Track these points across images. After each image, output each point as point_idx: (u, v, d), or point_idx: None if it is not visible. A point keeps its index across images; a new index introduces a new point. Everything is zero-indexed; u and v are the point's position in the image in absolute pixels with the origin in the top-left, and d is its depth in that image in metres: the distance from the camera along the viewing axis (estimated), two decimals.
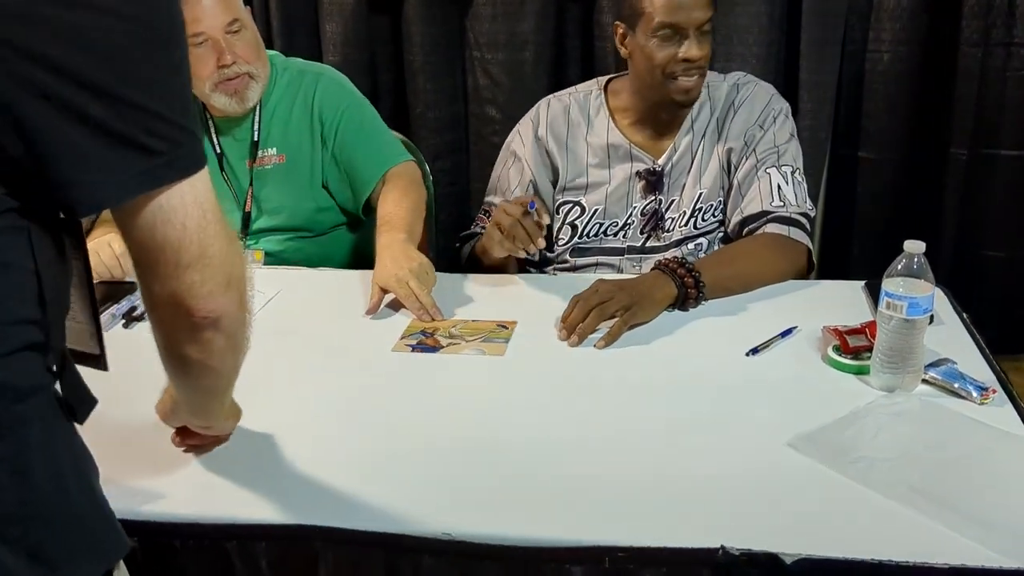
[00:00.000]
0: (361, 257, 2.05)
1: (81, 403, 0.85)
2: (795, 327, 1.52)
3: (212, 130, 2.04)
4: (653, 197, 1.86)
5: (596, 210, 1.89)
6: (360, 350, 1.54)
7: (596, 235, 1.89)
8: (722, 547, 1.02)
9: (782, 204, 1.74)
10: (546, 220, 1.64)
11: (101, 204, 0.75)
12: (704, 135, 1.85)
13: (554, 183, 1.92)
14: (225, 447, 1.23)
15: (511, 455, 1.23)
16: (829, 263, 2.75)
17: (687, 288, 1.59)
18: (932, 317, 1.36)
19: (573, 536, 1.05)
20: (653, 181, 1.85)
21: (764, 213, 1.75)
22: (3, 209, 0.72)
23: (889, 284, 1.29)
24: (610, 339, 1.50)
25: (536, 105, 1.98)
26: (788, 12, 2.62)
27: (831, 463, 1.16)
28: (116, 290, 1.73)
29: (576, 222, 1.90)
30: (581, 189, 1.90)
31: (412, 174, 2.02)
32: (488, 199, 1.99)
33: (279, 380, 1.42)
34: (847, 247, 2.75)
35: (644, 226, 1.87)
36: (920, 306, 1.27)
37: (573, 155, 1.90)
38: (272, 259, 2.04)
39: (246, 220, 2.05)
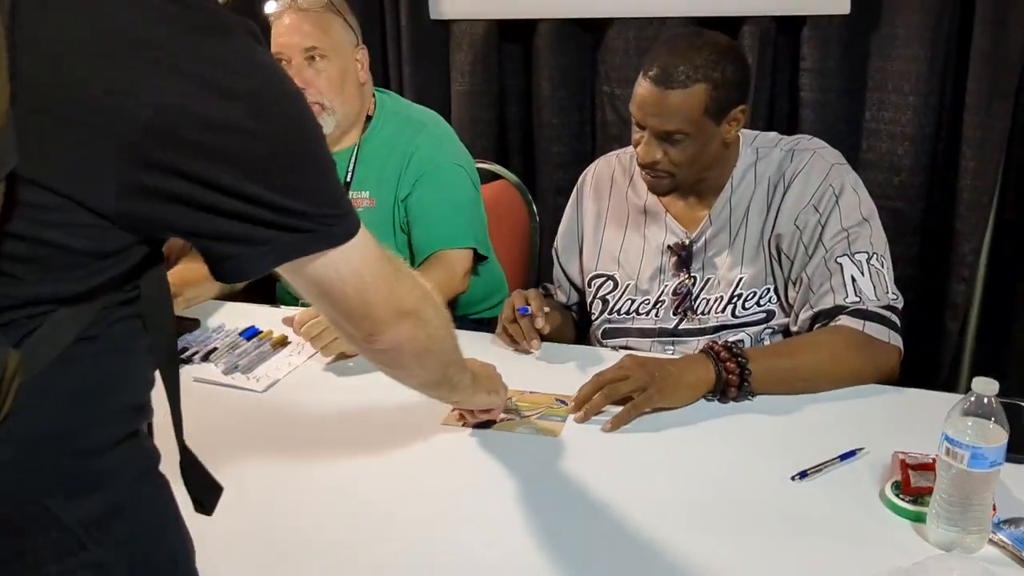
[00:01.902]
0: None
1: (208, 494, 0.90)
2: (862, 448, 1.32)
3: None
4: (685, 275, 1.70)
5: (628, 285, 1.75)
6: (403, 429, 1.45)
7: (628, 313, 1.74)
8: None
9: (858, 299, 1.53)
10: (540, 323, 1.62)
11: (245, 273, 0.82)
12: (747, 211, 1.66)
13: (580, 260, 1.84)
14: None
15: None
16: (979, 361, 2.45)
17: (728, 374, 1.42)
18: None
19: None
20: (684, 256, 1.69)
21: (838, 308, 1.54)
22: (126, 300, 0.80)
23: (951, 427, 1.09)
24: (616, 423, 1.39)
25: (588, 169, 1.89)
26: (953, 58, 2.35)
27: None
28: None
29: (608, 296, 1.77)
30: (614, 259, 1.77)
31: (453, 263, 1.93)
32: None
33: (324, 432, 1.44)
34: (1004, 336, 2.44)
35: (676, 307, 1.70)
36: (987, 458, 1.06)
37: (613, 217, 1.79)
38: None
39: None
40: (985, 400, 1.08)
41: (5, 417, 0.71)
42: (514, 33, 2.70)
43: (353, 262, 0.89)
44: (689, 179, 1.64)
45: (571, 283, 1.87)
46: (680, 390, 1.43)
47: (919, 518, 1.16)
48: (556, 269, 1.89)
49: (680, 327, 1.69)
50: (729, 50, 1.60)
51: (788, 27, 2.48)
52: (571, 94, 2.68)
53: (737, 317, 1.65)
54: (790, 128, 2.56)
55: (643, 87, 1.58)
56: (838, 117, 2.49)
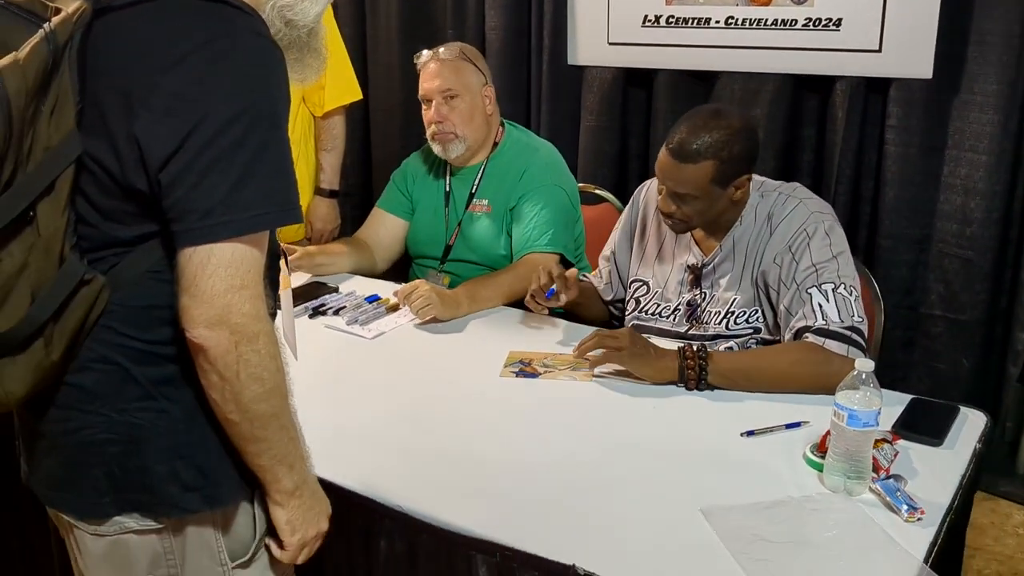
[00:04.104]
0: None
1: None
2: (805, 422, 1.65)
3: (447, 173, 2.55)
4: (697, 290, 2.02)
5: (657, 291, 2.09)
6: (473, 374, 1.92)
7: (653, 314, 2.08)
8: (574, 564, 1.28)
9: (824, 322, 1.77)
10: (563, 300, 2.01)
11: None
12: (746, 244, 1.95)
13: (628, 262, 2.18)
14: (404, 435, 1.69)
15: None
16: None
17: (688, 370, 1.77)
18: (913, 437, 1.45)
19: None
20: (697, 275, 2.02)
21: (805, 328, 1.79)
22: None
23: (839, 396, 1.43)
24: (592, 358, 1.85)
25: (644, 183, 2.23)
26: None
27: (724, 533, 1.35)
28: (314, 290, 2.30)
29: (640, 298, 2.12)
30: (650, 268, 2.11)
31: (537, 266, 2.22)
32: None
33: (411, 371, 1.95)
34: None
35: (688, 316, 2.03)
36: (860, 419, 1.40)
37: (654, 232, 2.12)
38: (460, 282, 2.48)
39: (447, 250, 2.52)
40: (863, 376, 1.41)
41: (97, 320, 1.11)
42: (637, 79, 3.11)
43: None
44: (701, 225, 1.98)
45: (620, 278, 2.21)
46: (646, 366, 1.81)
47: (822, 469, 1.50)
48: (609, 266, 2.23)
49: (689, 332, 2.02)
50: (740, 131, 1.87)
51: (877, 87, 2.76)
52: None
53: (730, 329, 1.98)
54: (877, 176, 2.83)
55: (663, 156, 1.89)
56: (918, 170, 2.74)
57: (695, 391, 1.79)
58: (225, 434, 1.15)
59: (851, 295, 1.80)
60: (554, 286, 2.00)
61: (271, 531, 1.26)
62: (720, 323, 1.99)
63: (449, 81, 2.38)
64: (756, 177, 1.99)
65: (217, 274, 1.04)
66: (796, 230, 1.88)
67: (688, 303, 2.04)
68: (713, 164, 1.86)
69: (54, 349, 1.08)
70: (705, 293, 2.03)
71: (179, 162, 1.02)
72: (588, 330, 2.05)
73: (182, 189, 1.03)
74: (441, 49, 2.44)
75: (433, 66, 2.40)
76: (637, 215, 2.19)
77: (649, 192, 2.18)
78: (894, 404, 1.69)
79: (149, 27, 1.05)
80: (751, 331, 1.96)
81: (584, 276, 2.31)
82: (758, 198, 1.97)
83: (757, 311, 1.96)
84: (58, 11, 1.04)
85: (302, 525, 1.25)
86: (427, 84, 2.40)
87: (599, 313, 2.28)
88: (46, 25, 1.02)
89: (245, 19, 1.08)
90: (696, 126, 1.87)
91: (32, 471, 1.25)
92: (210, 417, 1.15)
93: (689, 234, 2.05)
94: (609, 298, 2.26)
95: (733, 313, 1.97)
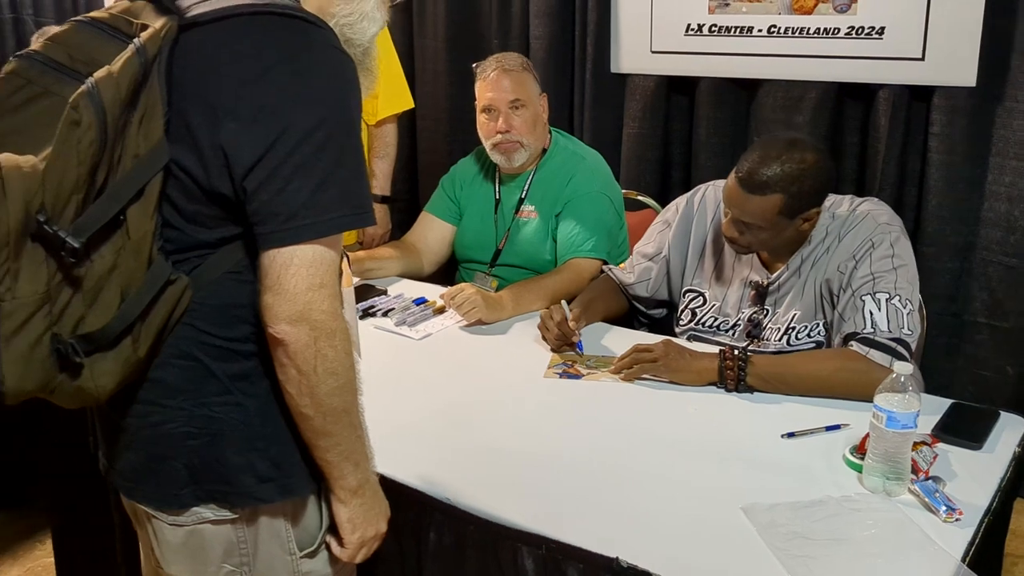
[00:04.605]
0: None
1: None
2: (845, 424, 1.68)
3: (497, 180, 2.61)
4: (759, 307, 2.03)
5: (715, 305, 2.09)
6: (518, 374, 1.98)
7: (711, 328, 2.10)
8: (617, 557, 1.33)
9: (872, 330, 1.77)
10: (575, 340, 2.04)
11: None
12: (813, 260, 1.95)
13: (683, 268, 2.17)
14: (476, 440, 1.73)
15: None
16: None
17: (727, 370, 1.80)
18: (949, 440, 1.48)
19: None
20: (761, 293, 2.02)
21: (852, 335, 1.80)
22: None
23: (879, 398, 1.46)
24: (627, 375, 1.88)
25: (699, 188, 2.21)
26: None
27: (764, 530, 1.39)
28: (364, 292, 2.37)
29: (696, 309, 2.13)
30: (707, 280, 2.11)
31: (581, 270, 2.37)
32: (636, 246, 2.30)
33: (456, 371, 2.01)
34: None
35: (748, 332, 2.04)
36: (899, 421, 1.43)
37: (713, 242, 2.12)
38: (506, 285, 2.53)
39: (496, 254, 2.58)
40: (902, 379, 1.44)
41: (180, 318, 1.17)
42: (680, 86, 3.15)
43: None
44: (765, 251, 1.98)
45: (669, 281, 2.21)
46: (684, 372, 1.84)
47: (862, 470, 1.53)
48: (653, 266, 2.21)
49: (748, 348, 1.97)
50: (813, 165, 1.83)
51: (920, 94, 2.77)
52: (725, 141, 3.09)
53: (791, 345, 1.98)
54: (920, 184, 2.84)
55: (731, 182, 1.87)
56: (961, 178, 2.75)
57: (734, 392, 1.82)
58: (296, 429, 1.21)
59: (904, 308, 1.79)
60: (580, 339, 2.04)
61: (332, 528, 1.31)
62: (781, 339, 1.99)
63: (516, 91, 2.44)
64: (829, 196, 1.95)
65: (299, 273, 1.10)
66: (862, 240, 1.88)
67: (750, 319, 2.04)
68: (781, 198, 1.83)
69: (141, 346, 1.14)
70: (767, 310, 2.02)
71: (264, 169, 1.08)
72: (629, 333, 2.10)
73: (267, 194, 1.09)
74: (504, 59, 2.49)
75: (498, 76, 2.45)
76: (692, 221, 2.17)
77: (706, 198, 2.17)
78: (935, 409, 1.72)
79: (233, 42, 1.11)
80: (813, 345, 1.96)
81: (608, 269, 2.33)
82: (829, 219, 1.95)
83: (819, 324, 1.95)
84: (143, 27, 1.10)
85: (362, 524, 1.29)
86: (492, 94, 2.45)
87: (618, 308, 2.28)
88: (136, 40, 1.08)
89: (321, 33, 1.15)
90: (768, 156, 1.84)
91: (111, 464, 1.31)
92: (283, 412, 1.20)
93: (755, 253, 2.04)
94: (644, 294, 2.24)
95: (794, 329, 1.97)
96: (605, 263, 2.41)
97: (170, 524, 1.27)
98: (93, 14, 1.18)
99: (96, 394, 1.14)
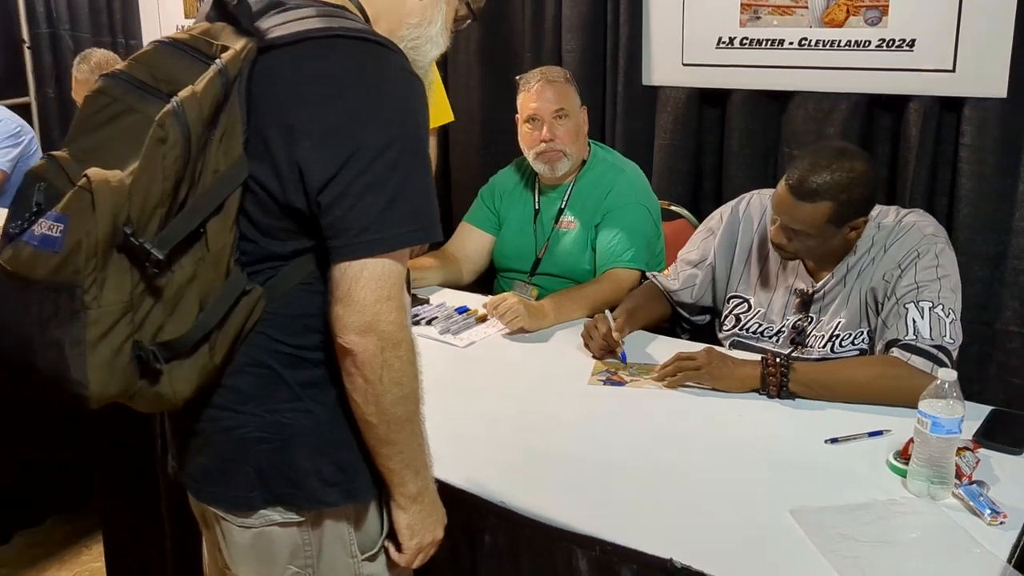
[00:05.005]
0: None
1: None
2: (887, 430, 1.72)
3: (536, 191, 2.66)
4: (804, 315, 2.07)
5: (760, 311, 2.14)
6: (562, 381, 2.03)
7: (755, 333, 2.14)
8: (671, 559, 1.37)
9: (914, 337, 1.81)
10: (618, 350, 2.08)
11: None
12: (859, 269, 1.99)
13: (728, 275, 2.21)
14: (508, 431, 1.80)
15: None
16: None
17: (769, 376, 1.84)
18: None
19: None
20: (806, 300, 2.06)
21: (894, 341, 1.84)
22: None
23: (923, 403, 1.49)
24: (671, 382, 1.92)
25: (744, 196, 2.26)
26: None
27: (813, 532, 1.43)
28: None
29: (741, 315, 2.17)
30: (752, 286, 2.15)
31: (621, 280, 2.41)
32: (679, 254, 2.34)
33: (501, 378, 2.07)
34: None
35: (792, 339, 2.08)
36: (943, 427, 1.47)
37: (758, 249, 2.16)
38: (547, 294, 2.58)
39: (536, 263, 2.63)
40: (946, 385, 1.48)
41: (253, 327, 1.21)
42: (711, 98, 3.19)
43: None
44: (812, 259, 2.02)
45: (714, 287, 2.25)
46: (726, 379, 1.89)
47: (905, 475, 1.56)
48: (697, 272, 2.25)
49: (792, 355, 2.02)
50: (863, 174, 1.88)
51: (951, 105, 2.80)
52: (757, 152, 3.12)
53: (835, 352, 2.02)
54: (951, 194, 2.87)
55: (781, 189, 1.92)
56: (992, 188, 2.77)
57: (777, 399, 1.86)
58: (360, 436, 1.26)
59: (947, 316, 1.83)
60: (623, 349, 2.08)
61: (391, 534, 1.36)
62: (825, 347, 2.03)
63: (560, 101, 2.51)
64: (874, 206, 1.99)
65: (369, 286, 1.15)
66: (908, 250, 1.92)
67: (794, 326, 2.08)
68: (830, 205, 1.88)
69: (217, 353, 1.19)
70: (812, 317, 2.06)
71: (338, 185, 1.14)
72: (671, 341, 2.14)
73: (340, 209, 1.14)
74: (547, 71, 2.57)
75: (542, 87, 2.52)
76: (739, 228, 2.21)
77: (751, 206, 2.22)
78: (973, 416, 1.75)
79: (309, 64, 1.16)
80: (856, 353, 2.00)
81: (653, 276, 2.37)
82: (875, 229, 2.00)
83: (863, 332, 1.99)
84: (224, 48, 1.16)
85: (420, 530, 1.34)
86: (537, 104, 2.51)
87: (661, 314, 2.32)
88: (218, 61, 1.13)
89: (392, 55, 1.20)
90: (818, 164, 1.89)
91: (182, 467, 1.37)
92: (349, 419, 1.26)
93: (800, 261, 2.07)
94: (688, 300, 2.29)
95: (838, 336, 2.01)
96: (643, 273, 2.45)
97: (239, 526, 1.31)
98: (174, 35, 1.24)
99: (174, 400, 1.19)
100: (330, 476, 1.28)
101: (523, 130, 2.57)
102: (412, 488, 1.30)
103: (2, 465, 2.72)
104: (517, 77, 2.62)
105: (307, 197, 1.16)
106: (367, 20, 1.30)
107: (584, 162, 2.63)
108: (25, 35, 5.13)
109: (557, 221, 2.61)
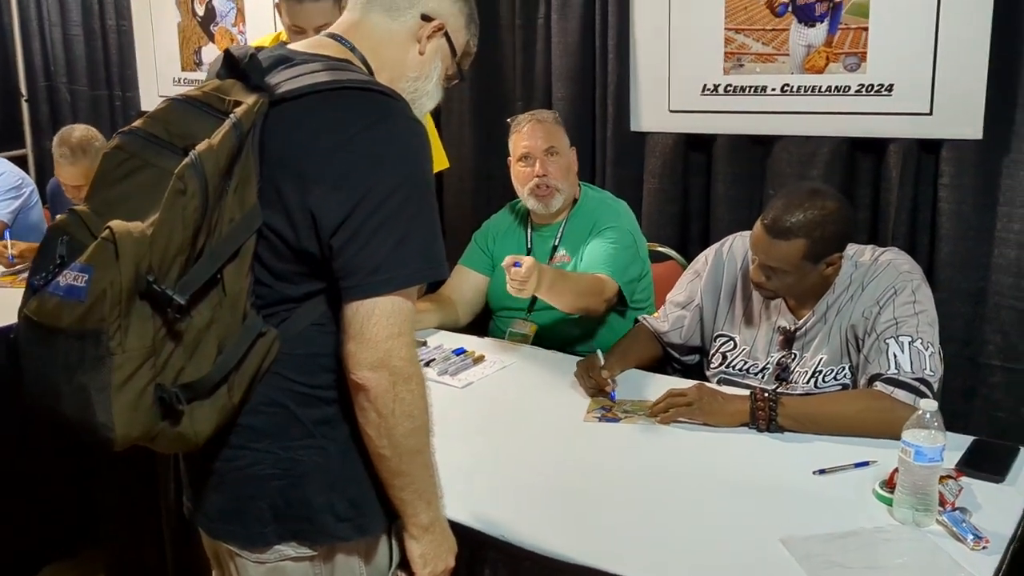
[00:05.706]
0: (608, 342, 2.56)
1: None
2: (873, 461, 1.78)
3: (529, 229, 2.74)
4: (787, 352, 2.14)
5: (745, 349, 2.21)
6: (558, 419, 2.09)
7: (741, 371, 2.21)
8: None
9: (896, 371, 1.87)
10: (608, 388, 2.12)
11: None
12: (839, 306, 2.06)
13: (714, 314, 2.29)
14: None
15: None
16: None
17: (758, 411, 1.90)
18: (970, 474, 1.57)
19: None
20: (789, 338, 2.14)
21: (876, 376, 1.90)
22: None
23: (906, 434, 1.56)
24: (663, 418, 1.97)
25: (727, 239, 2.34)
26: None
27: (803, 559, 1.48)
28: None
29: (727, 353, 2.24)
30: (737, 325, 2.23)
31: (603, 287, 2.48)
32: (668, 296, 2.41)
33: (500, 417, 2.09)
34: None
35: (777, 375, 2.15)
36: (925, 455, 1.53)
37: (743, 289, 2.24)
38: (544, 330, 2.66)
39: (533, 300, 2.69)
40: (928, 415, 1.54)
41: (268, 367, 1.26)
42: (697, 143, 3.28)
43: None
44: (791, 296, 2.10)
45: (702, 328, 2.31)
46: (717, 414, 1.95)
47: (890, 503, 1.62)
48: (685, 314, 2.32)
49: (777, 391, 2.07)
50: (834, 212, 1.97)
51: (929, 147, 2.90)
52: (742, 195, 3.20)
53: (819, 388, 2.09)
54: (931, 232, 2.95)
55: (758, 229, 2.01)
56: (971, 226, 2.86)
57: (766, 432, 1.92)
58: (372, 470, 1.31)
59: (927, 350, 1.90)
60: (614, 389, 2.14)
61: (403, 564, 1.41)
62: (808, 382, 2.10)
63: (551, 139, 2.62)
64: (851, 245, 2.08)
65: (380, 323, 1.21)
66: (885, 287, 2.00)
67: (778, 363, 2.15)
68: (805, 243, 1.96)
69: (235, 394, 1.24)
70: (795, 354, 2.13)
71: (349, 228, 1.20)
72: (662, 378, 2.20)
73: (352, 250, 1.21)
74: (537, 113, 2.70)
75: (532, 127, 2.64)
76: (723, 270, 2.29)
77: (734, 248, 2.30)
78: (957, 446, 1.81)
79: (317, 115, 1.24)
80: (839, 388, 2.06)
81: (643, 318, 2.44)
82: (852, 267, 2.08)
83: (844, 368, 2.06)
84: (236, 103, 1.23)
85: (432, 560, 1.37)
86: (529, 142, 2.62)
87: (652, 355, 2.39)
88: (232, 115, 1.20)
89: (396, 104, 1.28)
90: (791, 204, 1.98)
91: (196, 507, 1.41)
92: (361, 454, 1.31)
93: (782, 300, 2.15)
94: (678, 341, 2.35)
95: (821, 372, 2.08)
96: (620, 292, 2.52)
97: (253, 561, 1.35)
98: (186, 92, 1.31)
99: (195, 439, 1.24)
100: (342, 511, 1.32)
101: (516, 169, 2.66)
102: (424, 518, 1.34)
103: None
104: (508, 120, 2.72)
105: (319, 241, 1.23)
106: (371, 72, 1.38)
107: (576, 200, 2.71)
108: (23, 88, 5.22)
109: (552, 257, 2.69)
